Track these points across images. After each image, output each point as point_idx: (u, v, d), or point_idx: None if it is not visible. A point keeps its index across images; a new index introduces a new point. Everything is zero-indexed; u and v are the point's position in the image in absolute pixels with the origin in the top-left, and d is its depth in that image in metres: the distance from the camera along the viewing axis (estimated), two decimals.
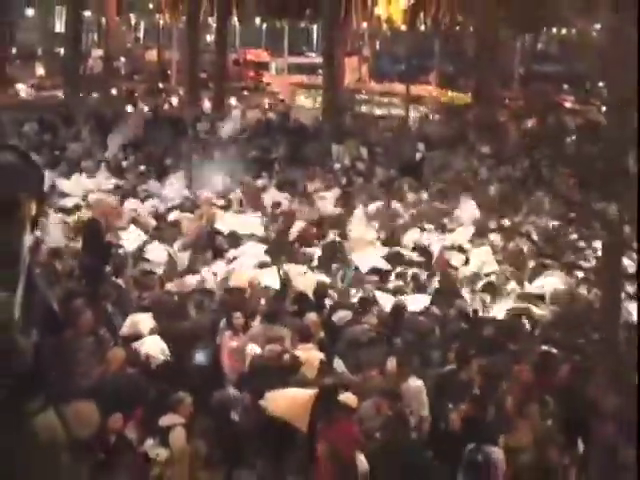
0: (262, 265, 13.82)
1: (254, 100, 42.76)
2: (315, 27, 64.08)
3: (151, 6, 59.48)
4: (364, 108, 38.37)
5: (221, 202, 18.85)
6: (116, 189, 19.77)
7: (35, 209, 2.82)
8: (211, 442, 8.79)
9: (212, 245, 15.50)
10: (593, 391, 10.31)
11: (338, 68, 33.90)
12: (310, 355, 10.35)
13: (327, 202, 19.65)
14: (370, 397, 9.72)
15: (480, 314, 13.35)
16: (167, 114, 33.94)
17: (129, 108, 34.61)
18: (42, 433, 2.85)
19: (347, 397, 9.18)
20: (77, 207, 17.54)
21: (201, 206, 18.10)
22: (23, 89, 41.53)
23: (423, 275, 14.66)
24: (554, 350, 11.43)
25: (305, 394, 9.30)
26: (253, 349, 10.77)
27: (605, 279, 11.56)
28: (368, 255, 15.23)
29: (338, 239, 16.18)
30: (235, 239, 15.70)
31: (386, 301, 12.83)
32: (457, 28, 49.33)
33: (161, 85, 46.65)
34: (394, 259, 15.27)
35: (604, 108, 17.68)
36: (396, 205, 19.75)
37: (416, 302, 13.07)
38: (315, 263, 15.03)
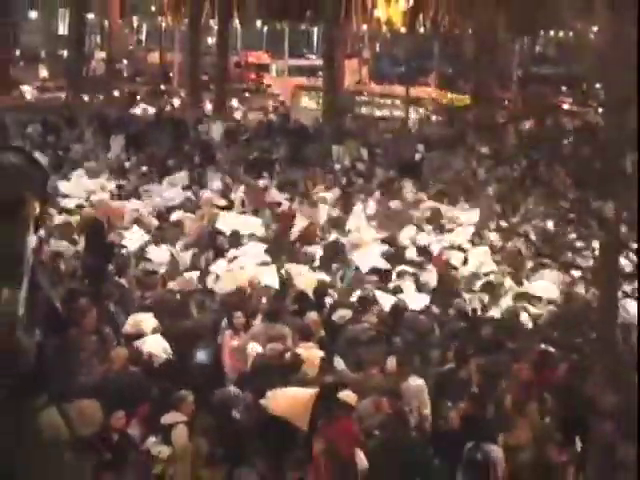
0: (263, 264, 13.89)
1: (255, 102, 42.84)
2: (315, 29, 64.21)
3: (153, 9, 59.53)
4: (364, 109, 38.34)
5: (223, 202, 18.91)
6: (119, 189, 19.85)
7: (39, 209, 2.85)
8: (213, 440, 8.80)
9: (213, 245, 15.57)
10: (591, 389, 10.37)
11: (338, 70, 33.97)
12: (311, 354, 10.40)
13: (327, 202, 19.68)
14: (370, 395, 9.75)
15: (479, 313, 13.42)
16: (169, 116, 34.02)
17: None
18: (45, 431, 2.89)
19: (347, 395, 9.20)
20: (80, 207, 17.59)
21: (202, 206, 18.17)
22: (27, 91, 41.58)
23: (423, 275, 14.72)
24: (552, 349, 11.50)
25: (306, 393, 9.33)
26: (254, 348, 10.81)
27: (602, 278, 11.61)
28: (368, 255, 15.28)
29: (338, 239, 16.23)
30: (236, 239, 15.77)
31: (386, 300, 12.90)
32: (456, 30, 49.31)
33: (163, 87, 46.76)
34: (394, 259, 15.33)
35: (601, 110, 17.71)
36: (396, 205, 19.78)
37: (415, 301, 13.14)
38: (316, 263, 15.09)
